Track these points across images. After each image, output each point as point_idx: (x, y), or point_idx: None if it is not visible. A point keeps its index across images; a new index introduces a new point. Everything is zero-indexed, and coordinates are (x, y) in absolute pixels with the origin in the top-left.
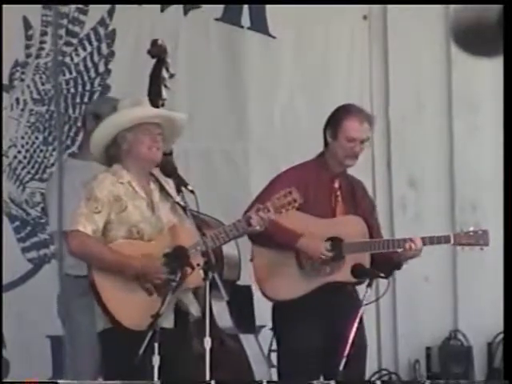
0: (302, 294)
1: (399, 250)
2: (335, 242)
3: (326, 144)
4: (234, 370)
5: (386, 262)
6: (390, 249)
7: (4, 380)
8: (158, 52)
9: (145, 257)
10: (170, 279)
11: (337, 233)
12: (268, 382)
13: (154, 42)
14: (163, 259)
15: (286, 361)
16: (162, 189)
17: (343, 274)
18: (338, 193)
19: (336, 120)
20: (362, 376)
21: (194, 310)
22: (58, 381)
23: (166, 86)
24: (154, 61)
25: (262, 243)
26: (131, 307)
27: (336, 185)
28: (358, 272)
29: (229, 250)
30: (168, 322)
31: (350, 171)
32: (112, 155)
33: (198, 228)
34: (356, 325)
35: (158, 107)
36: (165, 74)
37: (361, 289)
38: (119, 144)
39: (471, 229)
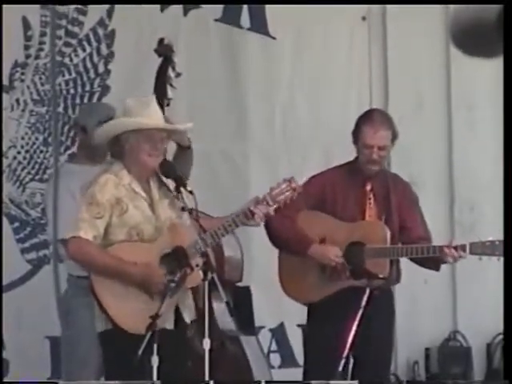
0: (323, 297)
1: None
2: (356, 247)
3: None
4: (233, 373)
5: (435, 258)
6: (412, 255)
7: (3, 380)
8: (164, 51)
9: (145, 265)
10: (169, 280)
11: (358, 237)
12: (267, 382)
13: (161, 41)
14: (163, 264)
15: (309, 360)
16: (162, 185)
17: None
18: (371, 195)
19: (357, 125)
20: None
21: (187, 315)
22: (59, 382)
23: (171, 86)
24: (158, 60)
25: (281, 249)
26: (132, 312)
27: (368, 187)
28: (357, 274)
29: (231, 250)
30: (169, 323)
31: None
32: (114, 151)
33: (197, 223)
34: (356, 323)
35: (163, 107)
36: (171, 73)
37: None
38: (122, 144)
39: (489, 238)
